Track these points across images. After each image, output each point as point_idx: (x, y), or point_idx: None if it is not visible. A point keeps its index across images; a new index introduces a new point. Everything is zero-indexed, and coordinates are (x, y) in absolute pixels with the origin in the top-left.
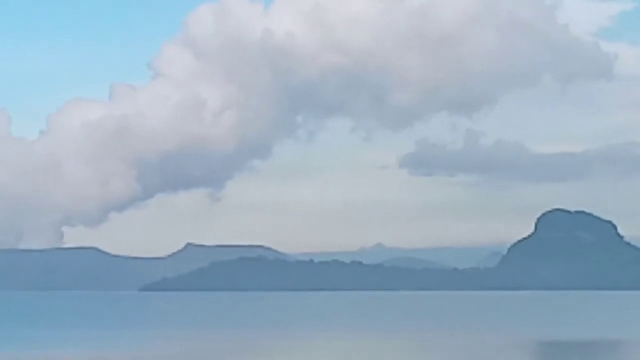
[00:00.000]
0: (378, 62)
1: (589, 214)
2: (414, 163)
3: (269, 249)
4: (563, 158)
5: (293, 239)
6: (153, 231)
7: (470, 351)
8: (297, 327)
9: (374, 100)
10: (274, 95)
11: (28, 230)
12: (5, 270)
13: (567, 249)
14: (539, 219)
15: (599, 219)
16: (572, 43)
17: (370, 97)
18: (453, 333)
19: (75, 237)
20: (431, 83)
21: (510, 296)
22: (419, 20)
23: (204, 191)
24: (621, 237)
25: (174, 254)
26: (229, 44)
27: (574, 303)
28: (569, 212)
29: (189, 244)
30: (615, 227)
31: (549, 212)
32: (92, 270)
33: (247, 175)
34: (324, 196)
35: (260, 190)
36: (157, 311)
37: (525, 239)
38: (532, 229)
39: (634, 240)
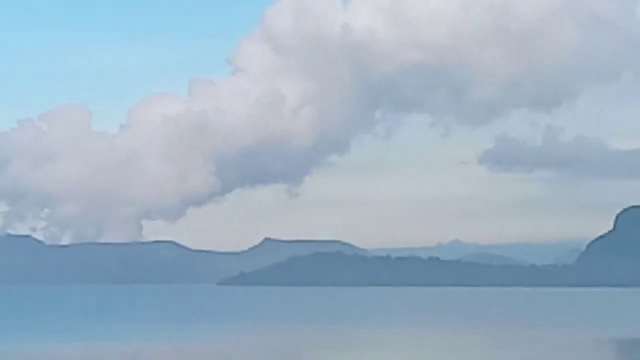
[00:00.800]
0: (457, 58)
1: None
2: (493, 159)
3: (346, 244)
4: None
5: (370, 234)
6: (231, 226)
7: (548, 348)
8: (373, 322)
9: (453, 96)
10: (353, 91)
11: (108, 224)
12: (86, 263)
13: None
14: (618, 216)
15: None
16: None
17: (449, 92)
18: (530, 329)
19: (153, 231)
20: (510, 78)
21: (589, 293)
22: (498, 15)
23: (282, 186)
24: None
25: (252, 248)
26: (307, 39)
27: None
28: None
29: (266, 239)
30: None
31: (629, 208)
32: (170, 264)
33: (325, 170)
34: (402, 191)
35: (338, 186)
36: (234, 305)
37: (604, 235)
38: (611, 226)
39: None
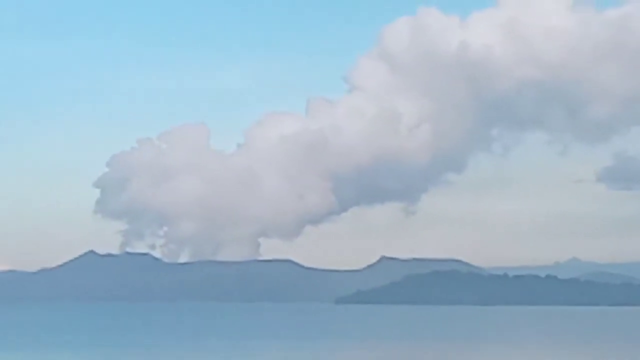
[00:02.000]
0: (574, 75)
1: None
2: (612, 176)
3: (462, 262)
4: None
5: (487, 253)
6: (347, 244)
7: None
8: (491, 341)
9: (570, 113)
10: (469, 108)
11: (225, 242)
12: (203, 281)
13: None
14: None
15: None
16: None
17: (566, 110)
18: None
19: (270, 249)
20: (629, 95)
21: None
22: (616, 31)
23: (399, 204)
24: None
25: (368, 266)
26: (424, 56)
27: None
28: None
29: (383, 257)
30: None
31: None
32: (287, 282)
33: (442, 188)
34: (519, 209)
35: (455, 204)
36: (352, 323)
37: None
38: None
39: None
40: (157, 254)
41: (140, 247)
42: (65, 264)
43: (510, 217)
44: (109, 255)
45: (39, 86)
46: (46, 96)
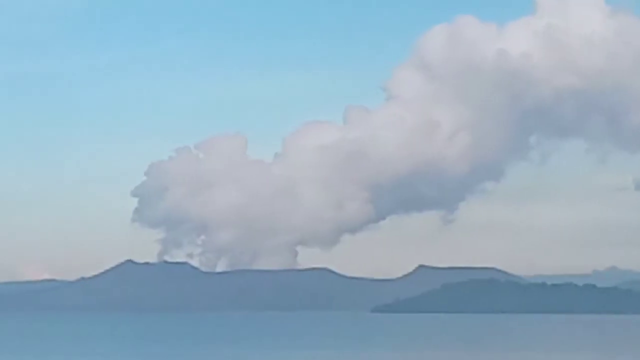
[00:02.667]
0: (613, 82)
1: None
2: None
3: (500, 271)
4: None
5: (525, 261)
6: (385, 253)
7: None
8: (528, 349)
9: (609, 122)
10: (507, 117)
11: (263, 251)
12: (241, 290)
13: None
14: None
15: None
16: None
17: (605, 118)
18: None
19: (308, 258)
20: None
21: None
22: None
23: (436, 213)
24: None
25: (406, 275)
26: (462, 65)
27: None
28: None
29: (420, 266)
30: None
31: None
32: (325, 291)
33: (479, 197)
34: (557, 218)
35: (492, 212)
36: (389, 332)
37: None
38: None
39: None
40: (194, 263)
41: (178, 256)
42: (104, 273)
43: (549, 226)
44: (147, 264)
45: (78, 95)
46: (85, 106)
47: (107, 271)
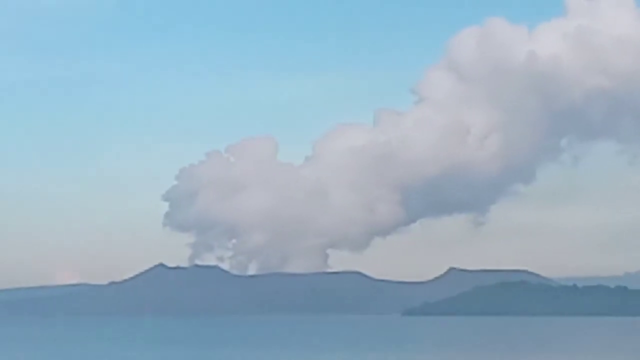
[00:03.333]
0: None
1: None
2: None
3: (531, 273)
4: None
5: (556, 263)
6: (415, 255)
7: None
8: (560, 352)
9: None
10: (538, 119)
11: (294, 254)
12: (271, 294)
13: None
14: None
15: None
16: None
17: (636, 119)
18: None
19: (339, 261)
20: None
21: None
22: None
23: (467, 215)
24: None
25: (436, 278)
26: (492, 67)
27: None
28: None
29: (451, 268)
30: None
31: None
32: (355, 294)
33: (510, 199)
34: (588, 220)
35: (523, 215)
36: (420, 335)
37: None
38: None
39: None
40: (225, 266)
41: (209, 260)
42: (135, 277)
43: (580, 228)
44: (178, 268)
45: (110, 99)
46: (116, 110)
47: (138, 275)
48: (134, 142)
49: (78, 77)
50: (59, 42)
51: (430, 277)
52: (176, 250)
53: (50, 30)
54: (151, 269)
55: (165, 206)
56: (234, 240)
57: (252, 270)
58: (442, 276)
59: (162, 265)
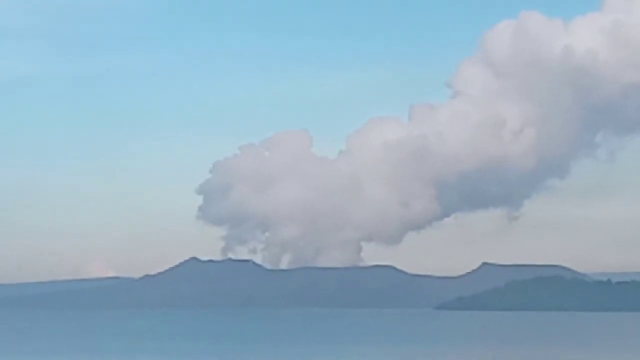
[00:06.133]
0: None
1: None
2: None
3: (566, 268)
4: None
5: (591, 258)
6: (449, 250)
7: None
8: (594, 347)
9: None
10: (573, 114)
11: (327, 248)
12: (304, 287)
13: None
14: None
15: None
16: None
17: None
18: None
19: (372, 255)
20: None
21: None
22: None
23: (501, 210)
24: None
25: (470, 273)
26: (527, 61)
27: None
28: None
29: (484, 263)
30: None
31: None
32: (388, 288)
33: (545, 194)
34: (624, 215)
35: (558, 209)
36: (453, 329)
37: None
38: None
39: None
40: (258, 259)
41: (242, 254)
42: (168, 270)
43: (614, 223)
44: (211, 261)
45: (143, 93)
46: (151, 104)
47: (171, 268)
48: (168, 136)
49: (112, 72)
50: (92, 37)
51: (464, 271)
52: (209, 244)
53: (85, 26)
54: (184, 262)
55: (199, 200)
56: (267, 234)
57: (284, 264)
58: (475, 271)
59: (195, 258)
